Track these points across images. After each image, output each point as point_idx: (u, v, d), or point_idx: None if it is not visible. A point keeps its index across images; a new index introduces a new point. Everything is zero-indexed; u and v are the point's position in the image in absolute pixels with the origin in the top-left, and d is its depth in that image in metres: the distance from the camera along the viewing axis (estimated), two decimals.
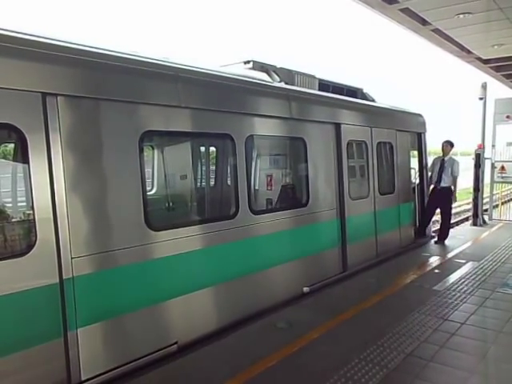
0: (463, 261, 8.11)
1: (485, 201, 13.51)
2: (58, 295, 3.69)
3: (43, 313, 3.64)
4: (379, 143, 8.57)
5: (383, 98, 9.51)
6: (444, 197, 9.83)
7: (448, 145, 9.89)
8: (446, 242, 9.99)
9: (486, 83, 12.76)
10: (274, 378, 4.03)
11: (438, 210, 10.34)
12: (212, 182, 7.59)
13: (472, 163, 12.74)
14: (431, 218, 10.53)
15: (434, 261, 8.23)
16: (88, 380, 3.87)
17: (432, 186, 10.12)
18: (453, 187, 9.77)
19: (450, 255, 8.64)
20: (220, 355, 4.50)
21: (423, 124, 10.56)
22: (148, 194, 5.27)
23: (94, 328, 3.98)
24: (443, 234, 10.11)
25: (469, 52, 12.33)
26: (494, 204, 14.04)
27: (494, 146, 13.17)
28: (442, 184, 9.73)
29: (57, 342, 3.70)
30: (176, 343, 4.62)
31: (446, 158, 9.83)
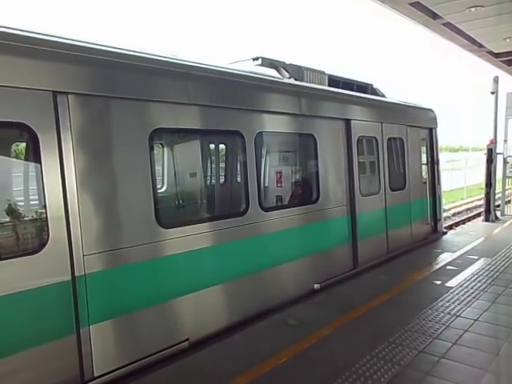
0: (475, 257, 8.04)
1: (497, 196, 13.36)
2: (70, 292, 3.73)
3: (56, 310, 3.68)
4: (390, 139, 8.51)
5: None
6: None
7: None
8: (458, 238, 9.90)
9: (497, 77, 12.60)
10: (285, 374, 4.02)
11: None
12: (222, 180, 7.59)
13: (484, 158, 12.61)
14: None
15: (446, 257, 8.15)
16: (101, 376, 3.91)
17: None
18: None
19: (462, 251, 8.56)
20: (231, 352, 4.50)
21: (434, 119, 10.47)
22: (158, 191, 5.29)
23: (107, 325, 4.01)
24: None
25: (480, 46, 12.19)
26: (507, 200, 13.87)
27: (505, 140, 13.01)
28: None
29: (69, 338, 3.74)
30: (187, 340, 4.64)
31: None
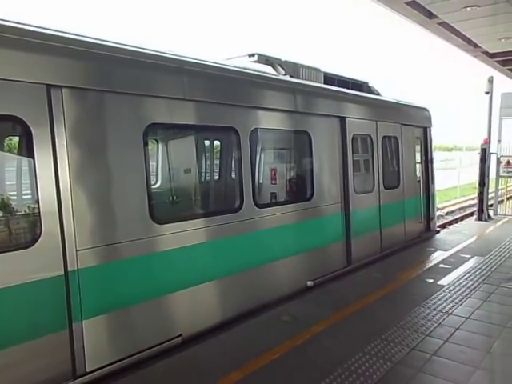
0: (468, 255, 8.08)
1: (490, 196, 13.44)
2: (63, 287, 3.71)
3: (48, 304, 3.66)
4: (384, 137, 8.53)
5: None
6: None
7: None
8: (451, 236, 9.96)
9: (492, 77, 12.65)
10: (278, 370, 4.03)
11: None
12: (216, 176, 7.58)
13: (478, 158, 12.67)
14: None
15: (439, 255, 8.19)
16: (93, 371, 3.90)
17: None
18: None
19: (454, 250, 8.60)
20: (224, 348, 4.51)
21: (429, 118, 10.50)
22: (153, 187, 5.27)
23: (99, 320, 3.99)
24: None
25: (475, 46, 12.25)
26: (500, 199, 13.96)
27: (499, 140, 13.08)
28: None
29: (62, 333, 3.72)
30: (180, 336, 4.63)
31: None
